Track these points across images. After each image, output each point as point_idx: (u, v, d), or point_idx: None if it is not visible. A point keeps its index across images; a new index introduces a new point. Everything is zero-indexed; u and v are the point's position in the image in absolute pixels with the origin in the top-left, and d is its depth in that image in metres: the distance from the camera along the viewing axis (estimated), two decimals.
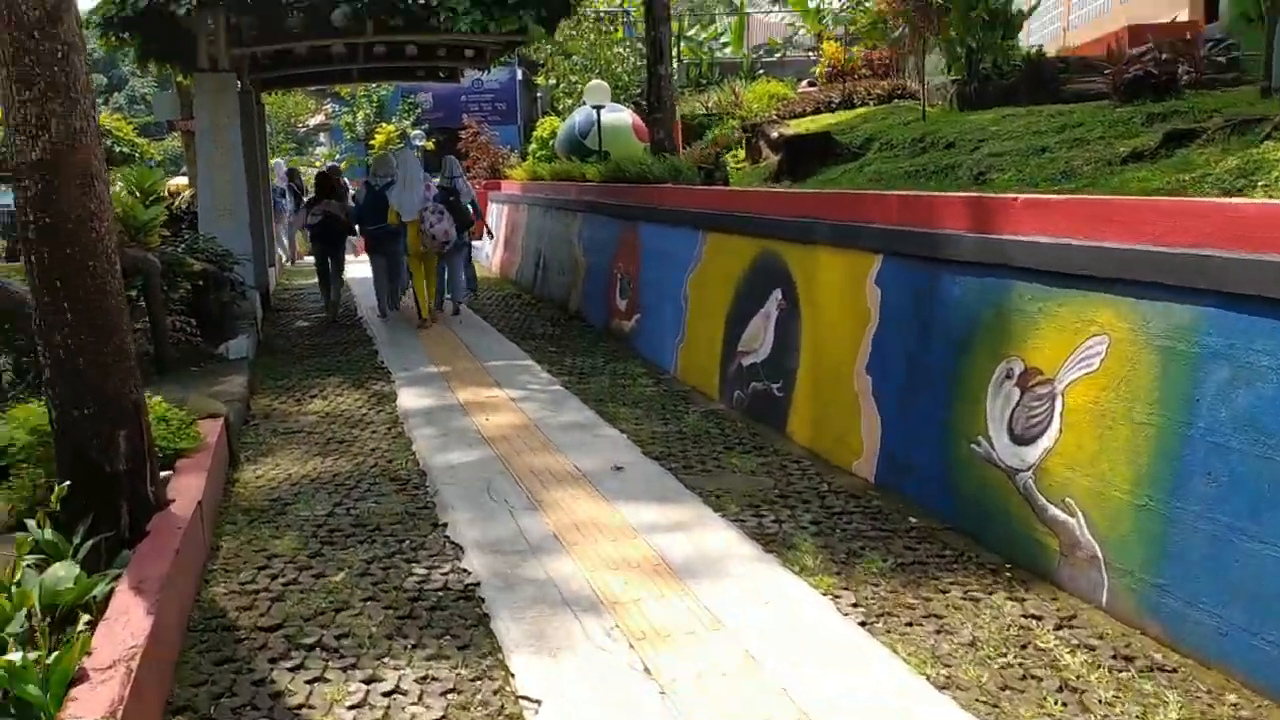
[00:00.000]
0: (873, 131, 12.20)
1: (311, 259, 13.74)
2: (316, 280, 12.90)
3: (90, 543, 3.90)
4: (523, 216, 15.63)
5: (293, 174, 22.08)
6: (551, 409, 7.52)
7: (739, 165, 14.36)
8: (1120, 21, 14.63)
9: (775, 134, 14.71)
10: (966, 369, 4.90)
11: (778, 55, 28.09)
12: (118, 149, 18.77)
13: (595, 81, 14.74)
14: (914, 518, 5.02)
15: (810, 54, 28.02)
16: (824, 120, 14.67)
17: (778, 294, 6.94)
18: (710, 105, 20.49)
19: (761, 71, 25.92)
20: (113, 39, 10.08)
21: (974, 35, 11.58)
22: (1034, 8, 14.32)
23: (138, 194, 8.43)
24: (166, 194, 9.80)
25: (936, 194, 5.47)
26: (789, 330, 6.75)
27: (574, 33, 22.88)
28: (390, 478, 5.93)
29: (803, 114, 16.46)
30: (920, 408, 5.24)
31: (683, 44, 27.37)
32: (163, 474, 4.82)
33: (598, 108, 13.61)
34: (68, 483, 3.99)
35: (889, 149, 11.07)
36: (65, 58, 4.14)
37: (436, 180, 11.73)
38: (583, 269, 11.85)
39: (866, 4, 21.86)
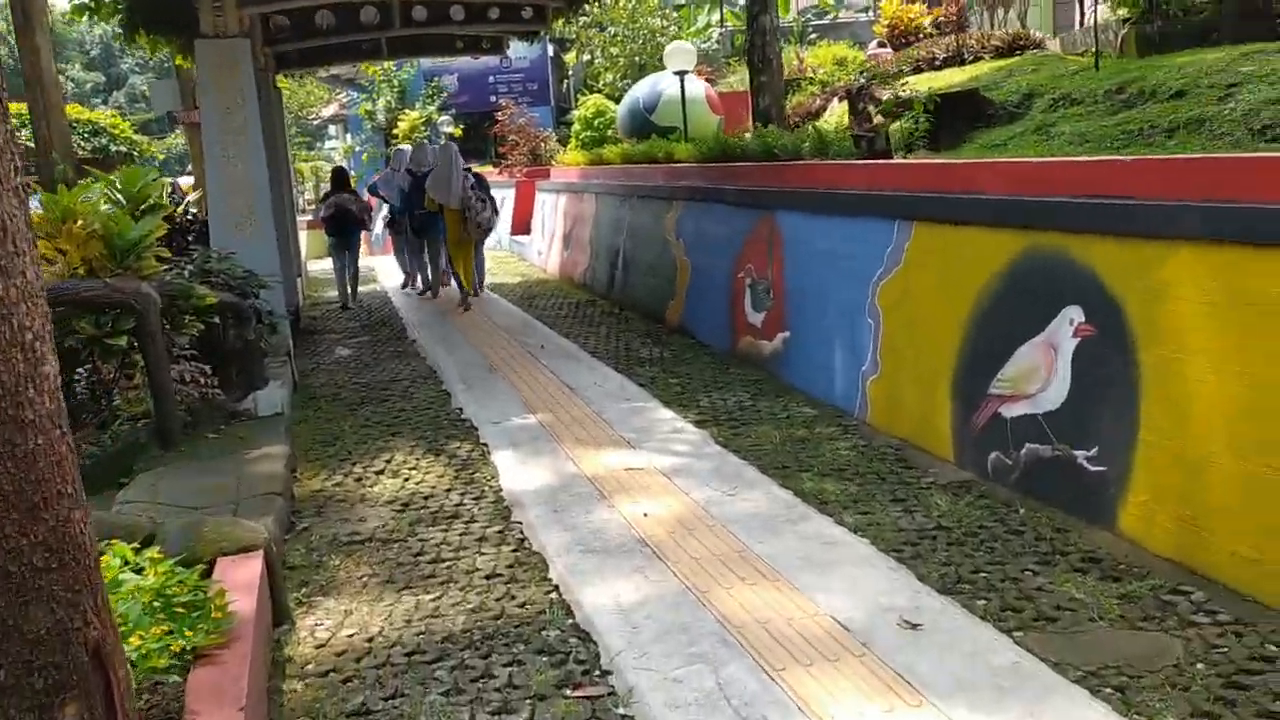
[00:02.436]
0: (1028, 86, 9.90)
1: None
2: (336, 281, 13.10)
3: None
4: (588, 207, 13.31)
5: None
6: (722, 485, 5.26)
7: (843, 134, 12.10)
8: None
9: (887, 94, 12.44)
10: None
11: (829, 18, 26.05)
12: (114, 148, 16.85)
13: (677, 43, 12.36)
14: None
15: (862, 15, 26.19)
16: (946, 78, 12.31)
17: (1074, 314, 4.65)
18: None
19: (814, 35, 24.08)
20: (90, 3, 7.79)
21: None
22: None
23: (123, 202, 6.19)
24: (165, 199, 7.52)
25: None
26: (1105, 370, 4.46)
27: (609, 2, 20.85)
28: (538, 649, 3.67)
29: (899, 74, 14.23)
30: None
31: (724, 9, 25.25)
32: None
33: (681, 74, 11.23)
34: None
35: (1069, 105, 8.80)
36: None
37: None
38: (686, 272, 9.54)
39: None
